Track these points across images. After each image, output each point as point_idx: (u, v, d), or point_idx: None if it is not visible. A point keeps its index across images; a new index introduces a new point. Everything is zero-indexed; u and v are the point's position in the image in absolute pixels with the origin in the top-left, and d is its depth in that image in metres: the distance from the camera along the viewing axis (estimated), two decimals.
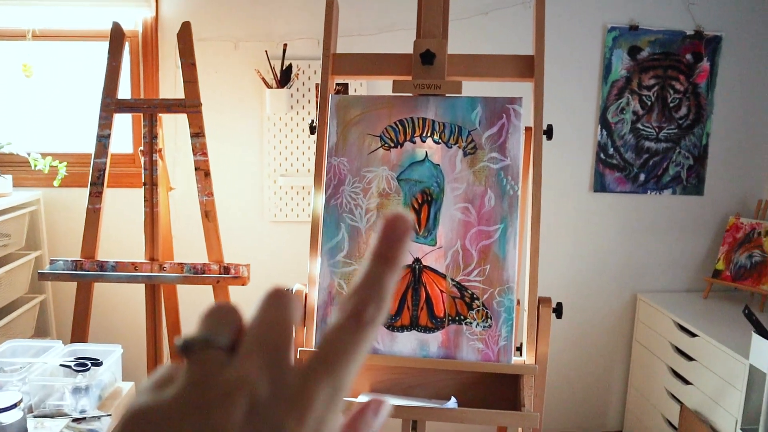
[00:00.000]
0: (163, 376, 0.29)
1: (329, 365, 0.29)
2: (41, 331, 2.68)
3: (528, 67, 1.61)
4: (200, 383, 0.28)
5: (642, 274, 2.79)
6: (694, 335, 2.34)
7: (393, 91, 1.60)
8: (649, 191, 2.70)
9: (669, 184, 2.70)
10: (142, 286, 2.16)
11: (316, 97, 2.54)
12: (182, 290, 2.37)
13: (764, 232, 2.56)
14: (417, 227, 1.55)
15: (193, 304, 2.65)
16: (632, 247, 2.76)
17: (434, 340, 1.52)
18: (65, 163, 2.47)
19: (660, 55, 2.59)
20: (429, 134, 1.58)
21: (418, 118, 1.58)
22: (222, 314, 0.31)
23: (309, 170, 2.58)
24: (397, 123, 1.59)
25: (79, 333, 2.04)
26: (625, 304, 2.80)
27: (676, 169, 2.69)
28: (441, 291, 1.53)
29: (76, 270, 2.04)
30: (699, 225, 2.77)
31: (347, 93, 2.51)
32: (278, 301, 0.31)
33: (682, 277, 2.81)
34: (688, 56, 2.61)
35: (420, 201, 1.56)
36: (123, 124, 2.55)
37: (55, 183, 2.47)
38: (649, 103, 2.62)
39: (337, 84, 2.48)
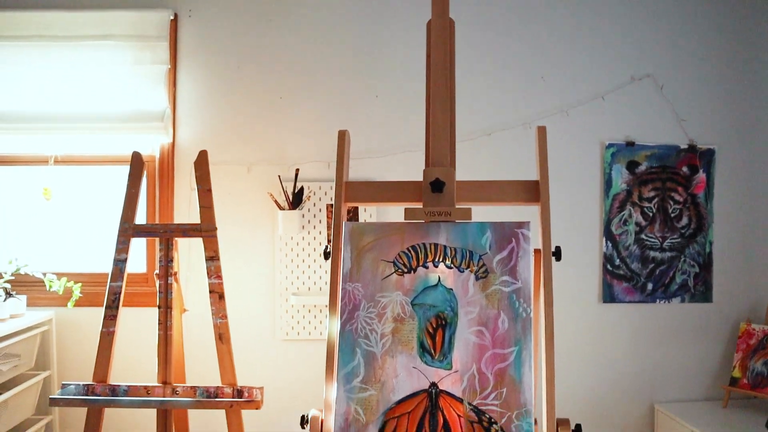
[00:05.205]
0: None
1: None
2: None
3: (534, 191, 1.67)
4: None
5: (657, 383, 2.74)
6: None
7: (405, 219, 1.65)
8: (657, 300, 2.71)
9: (677, 292, 2.72)
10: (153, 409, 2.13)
11: (328, 217, 2.61)
12: (193, 412, 2.35)
13: None
14: (432, 352, 1.56)
15: (204, 426, 2.60)
16: (645, 357, 2.73)
17: None
18: (80, 285, 2.51)
19: (657, 168, 2.69)
20: (441, 259, 1.62)
21: (430, 244, 1.63)
22: None
23: (320, 289, 2.61)
24: (410, 249, 1.64)
25: None
26: (643, 415, 2.74)
27: (682, 278, 2.71)
28: (458, 415, 1.52)
29: (87, 394, 2.03)
30: (710, 332, 2.76)
31: (357, 216, 2.59)
32: None
33: (699, 386, 2.76)
34: (685, 168, 2.70)
35: (434, 325, 1.58)
36: (137, 244, 2.61)
37: (70, 304, 2.51)
38: (650, 214, 2.69)
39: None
